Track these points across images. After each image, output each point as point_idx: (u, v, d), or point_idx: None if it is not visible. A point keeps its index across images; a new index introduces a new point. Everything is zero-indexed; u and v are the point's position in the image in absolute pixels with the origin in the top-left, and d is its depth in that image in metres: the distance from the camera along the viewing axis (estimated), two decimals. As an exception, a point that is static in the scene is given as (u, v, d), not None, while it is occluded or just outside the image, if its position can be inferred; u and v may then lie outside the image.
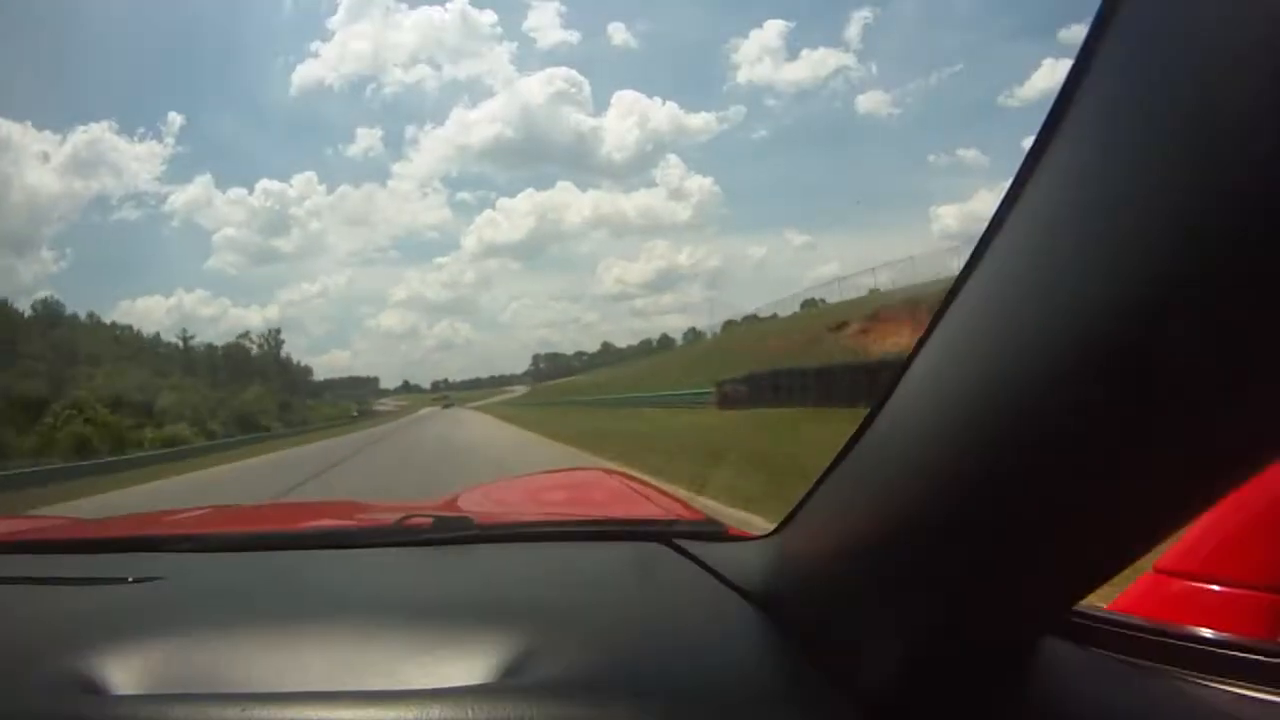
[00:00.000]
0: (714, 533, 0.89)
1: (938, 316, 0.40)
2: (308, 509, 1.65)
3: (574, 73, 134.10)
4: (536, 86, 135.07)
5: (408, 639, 0.63)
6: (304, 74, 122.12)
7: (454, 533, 0.95)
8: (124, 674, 0.58)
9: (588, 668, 0.56)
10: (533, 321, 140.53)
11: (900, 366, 0.44)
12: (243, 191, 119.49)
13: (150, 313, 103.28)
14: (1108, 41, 0.29)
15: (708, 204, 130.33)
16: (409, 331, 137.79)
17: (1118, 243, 0.28)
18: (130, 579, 0.83)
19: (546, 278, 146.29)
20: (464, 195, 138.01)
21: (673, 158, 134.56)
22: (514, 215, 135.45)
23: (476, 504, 1.31)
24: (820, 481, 0.56)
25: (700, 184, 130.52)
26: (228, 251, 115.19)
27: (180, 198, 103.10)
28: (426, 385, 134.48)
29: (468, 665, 0.57)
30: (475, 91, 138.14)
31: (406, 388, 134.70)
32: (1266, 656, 0.53)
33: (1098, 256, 0.29)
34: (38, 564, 1.00)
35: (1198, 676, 0.53)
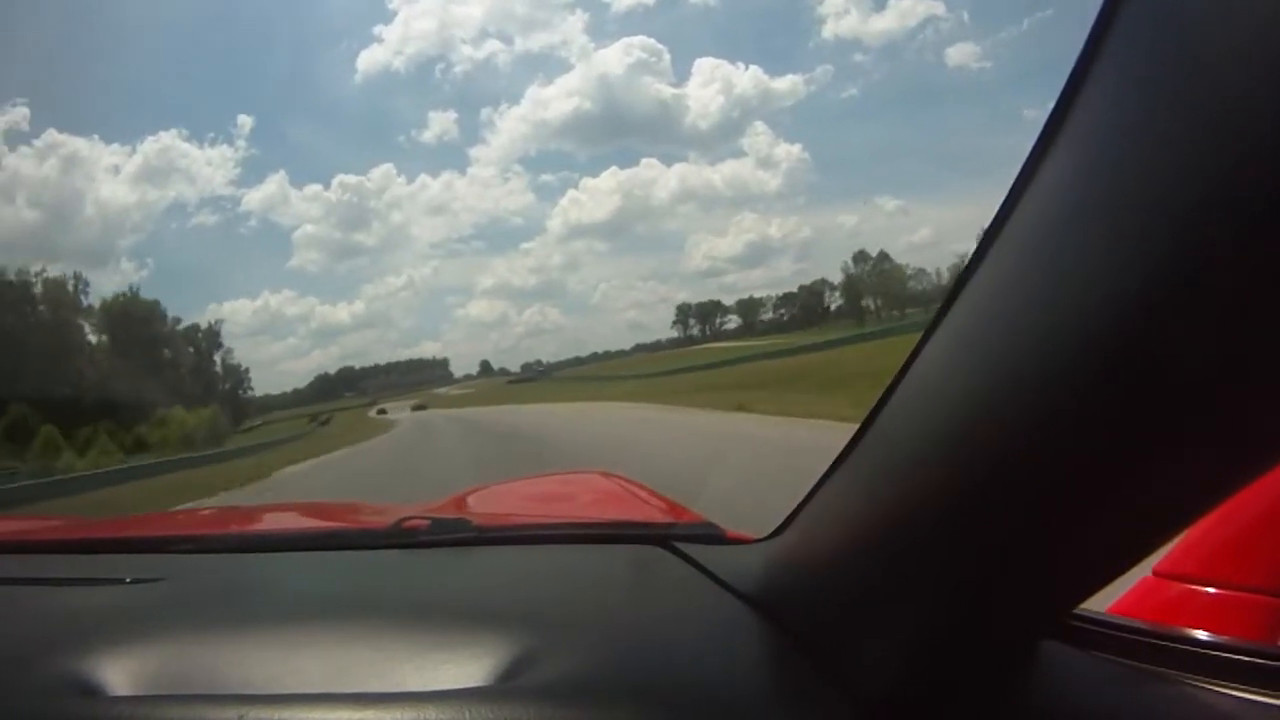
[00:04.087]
0: (712, 536, 0.89)
1: (938, 317, 0.40)
2: (306, 510, 1.65)
3: (652, 41, 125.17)
4: (614, 57, 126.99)
5: (405, 641, 0.63)
6: (368, 60, 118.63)
7: (451, 535, 0.95)
8: (121, 675, 0.57)
9: (585, 671, 0.56)
10: (622, 303, 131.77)
11: (900, 368, 0.44)
12: (318, 187, 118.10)
13: (237, 315, 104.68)
14: (1109, 42, 0.29)
15: (797, 171, 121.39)
16: (499, 319, 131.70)
17: (1120, 243, 0.28)
18: (128, 579, 0.83)
19: (634, 257, 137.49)
20: (546, 177, 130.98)
21: (760, 124, 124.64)
22: (598, 194, 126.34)
23: (474, 506, 1.31)
24: (819, 485, 0.55)
25: (789, 151, 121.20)
26: (308, 249, 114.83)
27: (256, 198, 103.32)
28: (515, 368, 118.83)
29: (465, 668, 0.57)
30: (550, 66, 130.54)
31: (487, 371, 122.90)
32: (1266, 660, 0.53)
33: (1100, 257, 0.29)
34: (35, 564, 1.00)
35: (1197, 680, 0.52)
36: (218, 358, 63.22)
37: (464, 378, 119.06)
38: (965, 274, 0.38)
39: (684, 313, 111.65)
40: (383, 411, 67.02)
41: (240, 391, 66.92)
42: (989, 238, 0.36)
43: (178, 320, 56.80)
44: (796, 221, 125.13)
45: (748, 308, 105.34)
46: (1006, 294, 0.35)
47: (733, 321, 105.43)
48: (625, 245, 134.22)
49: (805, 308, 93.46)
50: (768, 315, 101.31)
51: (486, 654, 0.58)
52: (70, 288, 48.32)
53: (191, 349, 59.45)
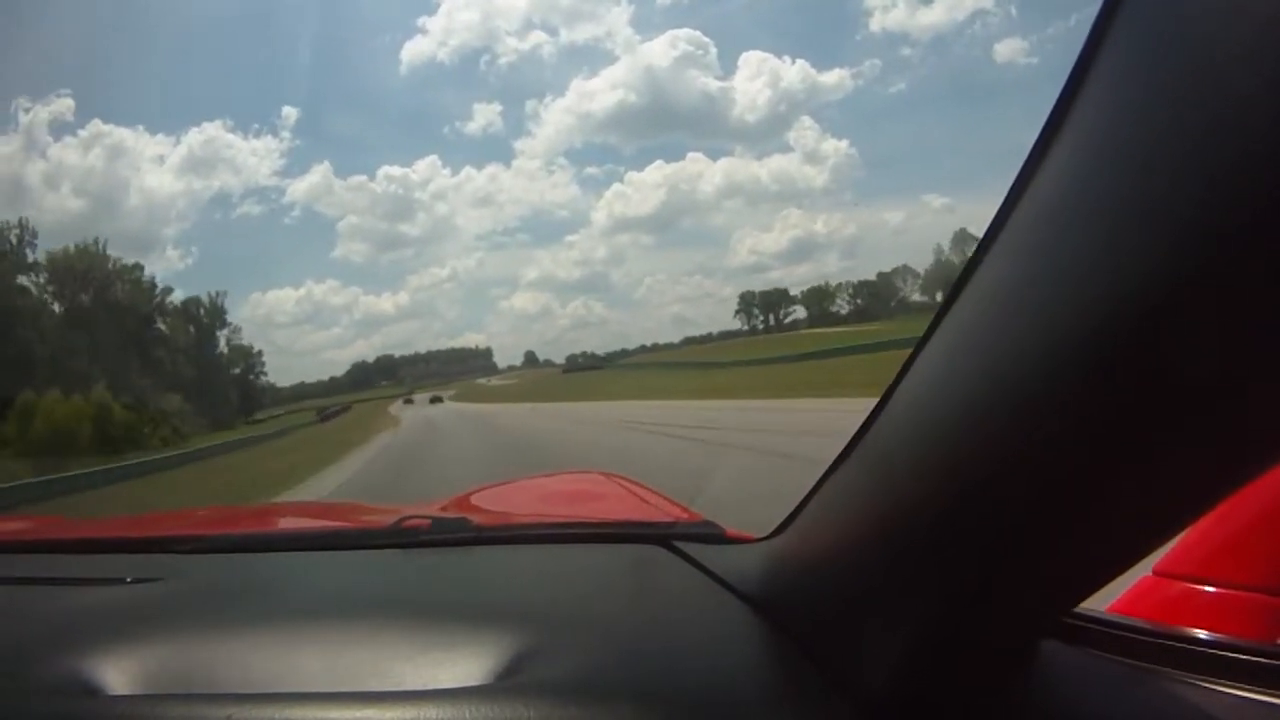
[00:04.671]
0: (712, 535, 0.89)
1: (939, 318, 0.40)
2: (306, 510, 1.65)
3: (697, 33, 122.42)
4: (659, 49, 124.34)
5: (405, 640, 0.63)
6: (413, 51, 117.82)
7: (452, 534, 0.95)
8: (121, 674, 0.57)
9: (585, 669, 0.56)
10: (666, 297, 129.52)
11: (900, 368, 0.44)
12: (363, 178, 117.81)
13: (281, 304, 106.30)
14: (1109, 41, 0.29)
15: (843, 167, 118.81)
16: (542, 312, 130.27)
17: (1120, 243, 0.28)
18: (129, 579, 0.83)
19: (679, 251, 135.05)
20: (591, 170, 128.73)
21: (807, 119, 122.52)
22: (643, 188, 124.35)
23: (474, 506, 1.31)
24: (819, 485, 0.56)
25: (835, 146, 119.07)
26: (353, 239, 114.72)
27: (300, 189, 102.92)
28: (560, 360, 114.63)
29: (465, 666, 0.57)
30: (595, 58, 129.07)
31: (532, 362, 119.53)
32: (1265, 659, 0.53)
33: (1100, 257, 0.29)
34: (36, 564, 1.00)
35: (1196, 679, 0.53)
36: (222, 336, 54.63)
37: (507, 369, 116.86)
38: (965, 274, 0.38)
39: (747, 302, 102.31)
40: (409, 401, 61.84)
41: (251, 377, 59.51)
42: (989, 238, 0.36)
43: (169, 290, 48.40)
44: (842, 218, 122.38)
45: (819, 296, 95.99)
46: (1006, 294, 0.35)
47: (798, 312, 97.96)
48: (671, 239, 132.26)
49: (881, 297, 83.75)
50: (844, 305, 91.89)
51: (487, 653, 0.58)
52: (13, 239, 36.53)
53: (191, 327, 50.53)
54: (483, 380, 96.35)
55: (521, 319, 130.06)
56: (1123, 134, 0.29)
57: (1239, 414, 0.28)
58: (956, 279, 0.39)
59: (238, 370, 57.44)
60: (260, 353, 62.74)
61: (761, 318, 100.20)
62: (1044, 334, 0.32)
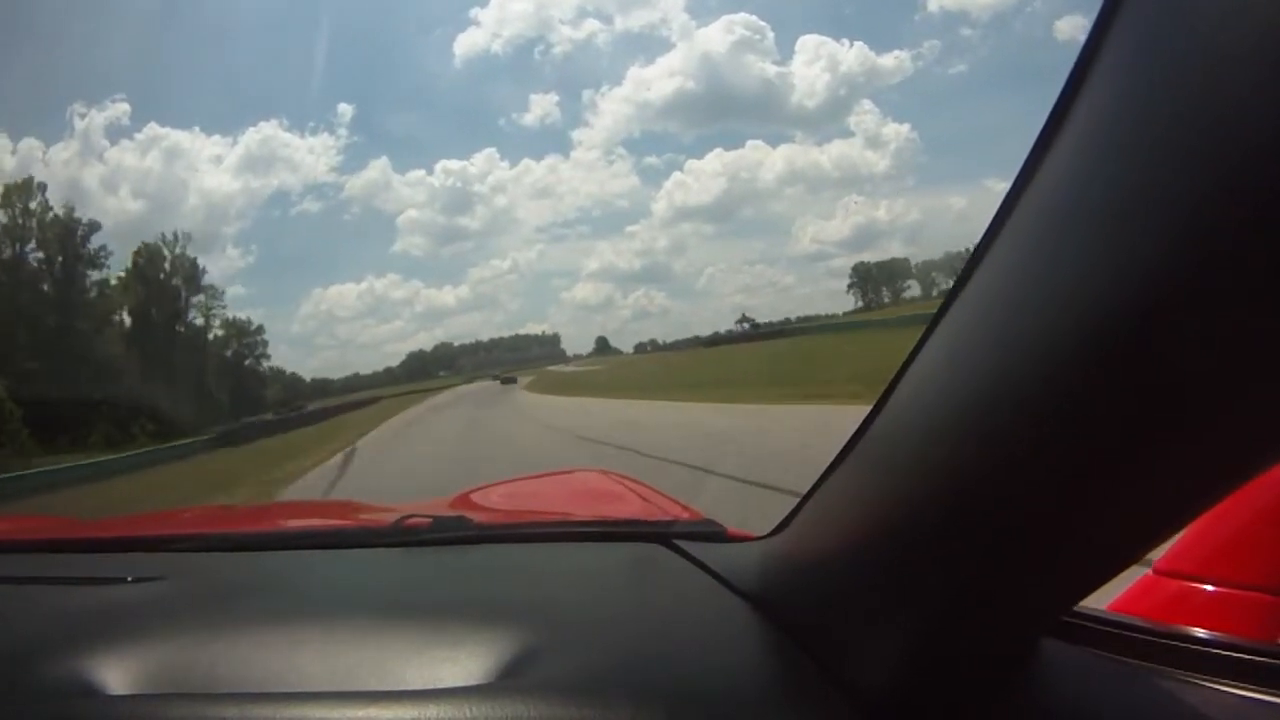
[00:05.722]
0: (713, 533, 0.89)
1: (939, 316, 0.40)
2: (307, 509, 1.65)
3: (754, 18, 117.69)
4: (716, 35, 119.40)
5: (406, 639, 0.63)
6: (466, 44, 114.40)
7: (452, 533, 0.95)
8: (123, 673, 0.58)
9: (586, 668, 0.56)
10: (728, 287, 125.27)
11: (900, 367, 0.44)
12: (421, 173, 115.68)
13: (343, 299, 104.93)
14: (1110, 40, 0.29)
15: (905, 152, 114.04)
16: (604, 302, 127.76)
17: (1120, 242, 0.28)
18: (130, 578, 0.83)
19: (741, 240, 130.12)
20: (650, 159, 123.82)
21: (867, 103, 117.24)
22: (703, 177, 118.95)
23: (476, 505, 1.31)
24: (819, 483, 0.56)
25: (897, 130, 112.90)
26: (413, 234, 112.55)
27: (358, 185, 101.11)
28: (628, 349, 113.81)
29: (466, 665, 0.57)
30: (651, 45, 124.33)
31: (603, 348, 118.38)
32: (1264, 657, 0.54)
33: (1100, 256, 0.29)
34: (38, 563, 1.00)
35: (1195, 677, 0.53)
36: (195, 302, 40.47)
37: (575, 356, 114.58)
38: (965, 273, 0.38)
39: (862, 274, 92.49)
40: (496, 378, 51.40)
41: (248, 362, 45.45)
42: (989, 236, 0.36)
43: (95, 225, 33.06)
44: (905, 204, 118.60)
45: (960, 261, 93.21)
46: (1007, 293, 0.35)
47: (913, 288, 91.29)
48: (731, 228, 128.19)
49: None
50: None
51: (488, 651, 0.58)
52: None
53: (141, 288, 36.37)
54: (557, 367, 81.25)
55: (583, 310, 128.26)
56: (1123, 133, 0.29)
57: (1239, 413, 0.28)
58: (957, 278, 0.39)
59: (229, 353, 44.04)
60: (261, 328, 48.51)
61: (874, 293, 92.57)
62: (1044, 333, 0.32)
